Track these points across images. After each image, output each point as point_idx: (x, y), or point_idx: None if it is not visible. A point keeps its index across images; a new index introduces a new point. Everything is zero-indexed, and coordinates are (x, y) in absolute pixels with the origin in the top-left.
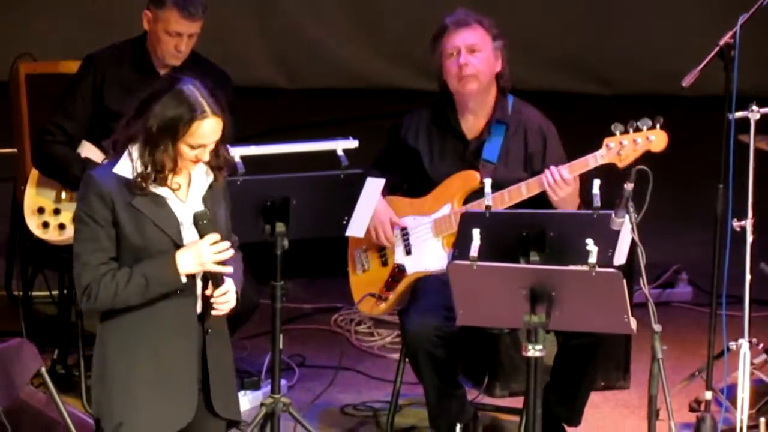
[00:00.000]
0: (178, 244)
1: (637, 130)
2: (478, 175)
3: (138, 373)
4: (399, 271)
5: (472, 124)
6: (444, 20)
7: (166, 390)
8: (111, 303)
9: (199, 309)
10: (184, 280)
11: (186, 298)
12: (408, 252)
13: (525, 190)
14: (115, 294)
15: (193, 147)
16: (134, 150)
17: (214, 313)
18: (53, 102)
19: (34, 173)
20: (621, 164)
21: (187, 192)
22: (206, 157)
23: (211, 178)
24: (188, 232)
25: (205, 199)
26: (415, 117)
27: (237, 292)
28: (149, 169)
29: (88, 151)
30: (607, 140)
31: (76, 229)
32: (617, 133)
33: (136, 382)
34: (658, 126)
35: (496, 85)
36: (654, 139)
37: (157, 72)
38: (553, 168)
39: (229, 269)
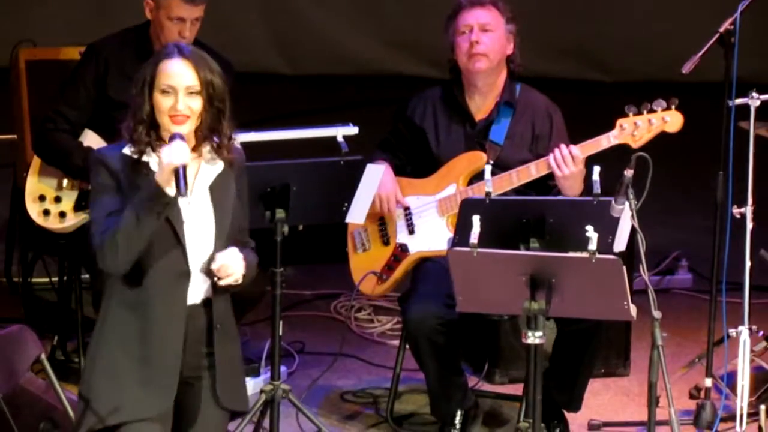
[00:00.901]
0: (177, 231)
1: (652, 111)
2: (484, 156)
3: (125, 355)
4: (401, 251)
5: (479, 105)
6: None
7: (150, 375)
8: (117, 246)
9: (203, 295)
10: (166, 189)
11: (179, 287)
12: (411, 232)
13: (534, 170)
14: (113, 236)
15: (164, 92)
16: None
17: (220, 283)
18: (54, 88)
19: (36, 161)
20: (635, 144)
21: (194, 182)
22: (181, 106)
23: (219, 167)
24: (190, 221)
25: (212, 188)
26: (423, 97)
27: (246, 276)
28: (141, 132)
29: (91, 139)
30: (620, 121)
31: (90, 201)
32: (630, 114)
33: (122, 364)
34: (673, 107)
35: (506, 68)
36: (670, 119)
37: None
38: (562, 146)
39: (185, 155)
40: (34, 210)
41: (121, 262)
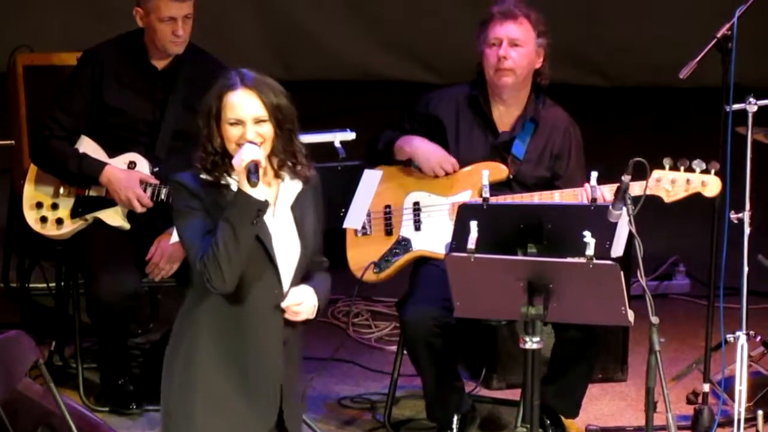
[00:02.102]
0: (267, 249)
1: (690, 169)
2: (506, 170)
3: (226, 381)
4: (403, 244)
5: (503, 116)
6: (491, 8)
7: (252, 399)
8: (220, 265)
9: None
10: (252, 193)
11: (275, 307)
12: (417, 228)
13: (558, 198)
14: (214, 254)
15: (231, 124)
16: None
17: (286, 316)
18: (51, 94)
19: (32, 168)
20: (668, 200)
21: (275, 204)
22: (251, 135)
23: (298, 186)
24: (278, 241)
25: (293, 208)
26: (447, 94)
27: (319, 307)
28: (214, 161)
29: (87, 146)
30: (657, 172)
31: (179, 225)
32: (667, 167)
33: (225, 390)
34: (712, 171)
35: (532, 81)
36: (709, 184)
37: (154, 66)
38: (595, 185)
39: (256, 153)
40: (31, 217)
41: (227, 280)
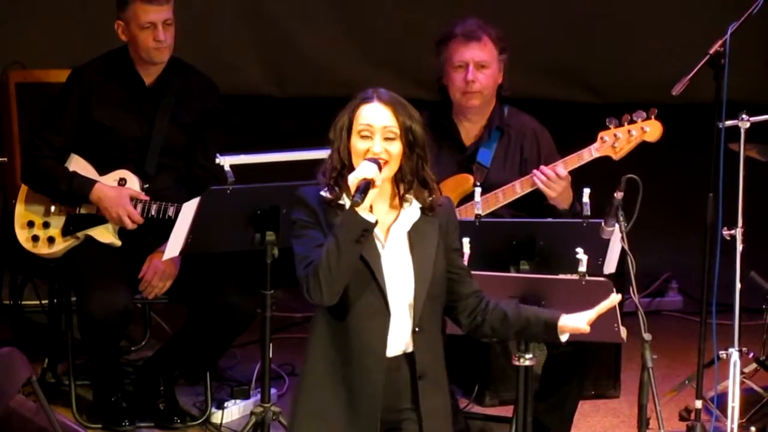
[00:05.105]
0: (374, 272)
1: (632, 122)
2: (471, 178)
3: (332, 395)
4: None
5: (468, 130)
6: (454, 27)
7: (354, 419)
8: (319, 277)
9: (410, 348)
10: (365, 215)
11: (378, 329)
12: None
13: (519, 188)
14: (316, 266)
15: (362, 136)
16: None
17: None
18: (43, 111)
19: (23, 188)
20: (616, 156)
21: (389, 229)
22: (377, 148)
23: (419, 213)
24: (388, 265)
25: (410, 234)
26: None
27: None
28: (332, 178)
29: (77, 164)
30: (601, 134)
31: (294, 238)
32: (611, 126)
33: (329, 405)
34: (652, 117)
35: (495, 95)
36: (649, 129)
37: (142, 82)
38: (543, 167)
39: (370, 171)
40: (22, 236)
41: (324, 292)
